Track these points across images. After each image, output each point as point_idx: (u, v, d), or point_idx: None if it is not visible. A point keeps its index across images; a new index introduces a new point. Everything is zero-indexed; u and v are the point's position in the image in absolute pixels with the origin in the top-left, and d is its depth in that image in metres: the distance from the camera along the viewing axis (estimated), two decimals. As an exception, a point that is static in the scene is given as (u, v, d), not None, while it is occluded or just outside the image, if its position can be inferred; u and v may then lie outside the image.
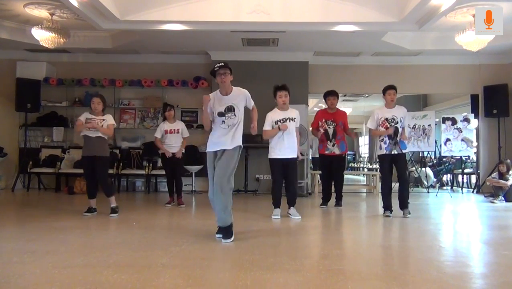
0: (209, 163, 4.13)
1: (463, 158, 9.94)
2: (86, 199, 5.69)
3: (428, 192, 9.57)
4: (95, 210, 5.61)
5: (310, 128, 7.75)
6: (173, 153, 6.64)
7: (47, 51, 8.22)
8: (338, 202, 6.62)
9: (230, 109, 4.08)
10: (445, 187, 10.46)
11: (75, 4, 6.14)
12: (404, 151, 5.63)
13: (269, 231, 4.83)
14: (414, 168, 10.88)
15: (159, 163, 7.10)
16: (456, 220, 6.24)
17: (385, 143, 5.56)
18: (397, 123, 5.56)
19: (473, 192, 9.42)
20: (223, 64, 4.02)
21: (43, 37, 6.86)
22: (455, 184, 10.62)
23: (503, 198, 7.50)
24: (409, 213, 5.60)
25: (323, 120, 6.55)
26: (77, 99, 9.29)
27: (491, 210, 6.71)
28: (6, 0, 6.74)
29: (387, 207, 5.65)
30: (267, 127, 5.56)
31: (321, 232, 5.04)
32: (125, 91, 9.46)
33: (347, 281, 2.73)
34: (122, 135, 9.34)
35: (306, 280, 2.74)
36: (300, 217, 5.45)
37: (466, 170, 10.25)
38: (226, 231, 4.02)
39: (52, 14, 7.06)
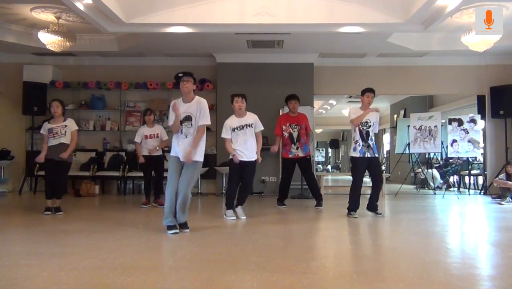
0: (172, 164, 4.36)
1: (470, 160, 9.88)
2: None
3: (435, 193, 9.52)
4: (53, 209, 5.74)
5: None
6: (152, 156, 6.71)
7: (54, 54, 8.29)
8: (319, 203, 6.65)
9: (188, 118, 4.33)
10: (451, 189, 10.38)
11: (81, 7, 6.18)
12: (376, 155, 5.76)
13: (275, 233, 4.83)
14: (420, 169, 10.84)
15: (166, 165, 7.09)
16: (463, 221, 6.20)
17: (359, 145, 5.60)
18: (369, 127, 5.66)
19: (480, 193, 9.36)
20: (187, 72, 4.34)
21: (50, 40, 6.90)
22: (462, 185, 10.55)
23: (510, 200, 7.44)
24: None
25: (287, 124, 6.60)
26: (83, 102, 9.33)
27: (498, 211, 6.66)
28: (13, 4, 6.79)
29: (355, 208, 5.67)
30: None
31: (327, 234, 5.03)
32: (130, 94, 9.49)
33: (353, 283, 2.71)
34: (128, 138, 9.35)
35: (313, 282, 2.73)
36: (245, 217, 5.51)
37: (473, 171, 10.18)
38: (186, 224, 4.44)
39: (58, 18, 7.10)
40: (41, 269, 2.98)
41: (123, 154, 8.98)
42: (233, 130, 5.39)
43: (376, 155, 5.76)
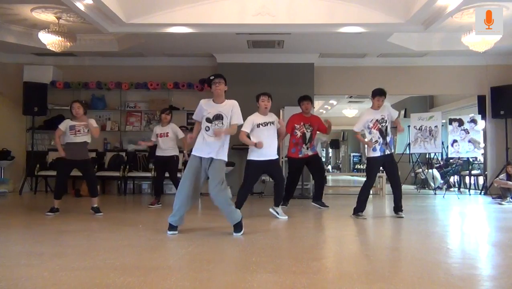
0: (191, 164, 4.31)
1: (470, 160, 9.88)
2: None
3: (435, 193, 9.51)
4: (57, 210, 5.72)
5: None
6: (163, 156, 6.69)
7: (54, 54, 8.29)
8: (321, 201, 6.68)
9: (218, 117, 4.31)
10: (452, 189, 10.39)
11: (81, 7, 6.18)
12: (392, 150, 5.70)
13: (275, 233, 4.83)
14: (421, 169, 10.84)
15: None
16: (463, 221, 6.20)
17: (379, 144, 5.52)
18: (386, 122, 5.59)
19: (480, 193, 9.36)
20: (218, 74, 4.40)
21: (50, 40, 6.90)
22: (462, 185, 10.55)
23: (511, 200, 7.44)
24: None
25: (301, 123, 6.54)
26: (83, 102, 9.32)
27: (499, 211, 6.66)
28: (14, 4, 6.79)
29: (363, 209, 5.64)
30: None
31: (327, 234, 5.03)
32: (131, 94, 9.50)
33: (354, 283, 2.71)
34: (128, 138, 9.37)
35: (313, 283, 2.73)
36: (286, 217, 5.56)
37: (473, 172, 10.18)
38: (238, 225, 4.37)
39: (58, 18, 7.10)
40: (41, 269, 2.98)
41: (124, 154, 9.00)
42: (258, 126, 5.46)
43: (392, 151, 5.70)
